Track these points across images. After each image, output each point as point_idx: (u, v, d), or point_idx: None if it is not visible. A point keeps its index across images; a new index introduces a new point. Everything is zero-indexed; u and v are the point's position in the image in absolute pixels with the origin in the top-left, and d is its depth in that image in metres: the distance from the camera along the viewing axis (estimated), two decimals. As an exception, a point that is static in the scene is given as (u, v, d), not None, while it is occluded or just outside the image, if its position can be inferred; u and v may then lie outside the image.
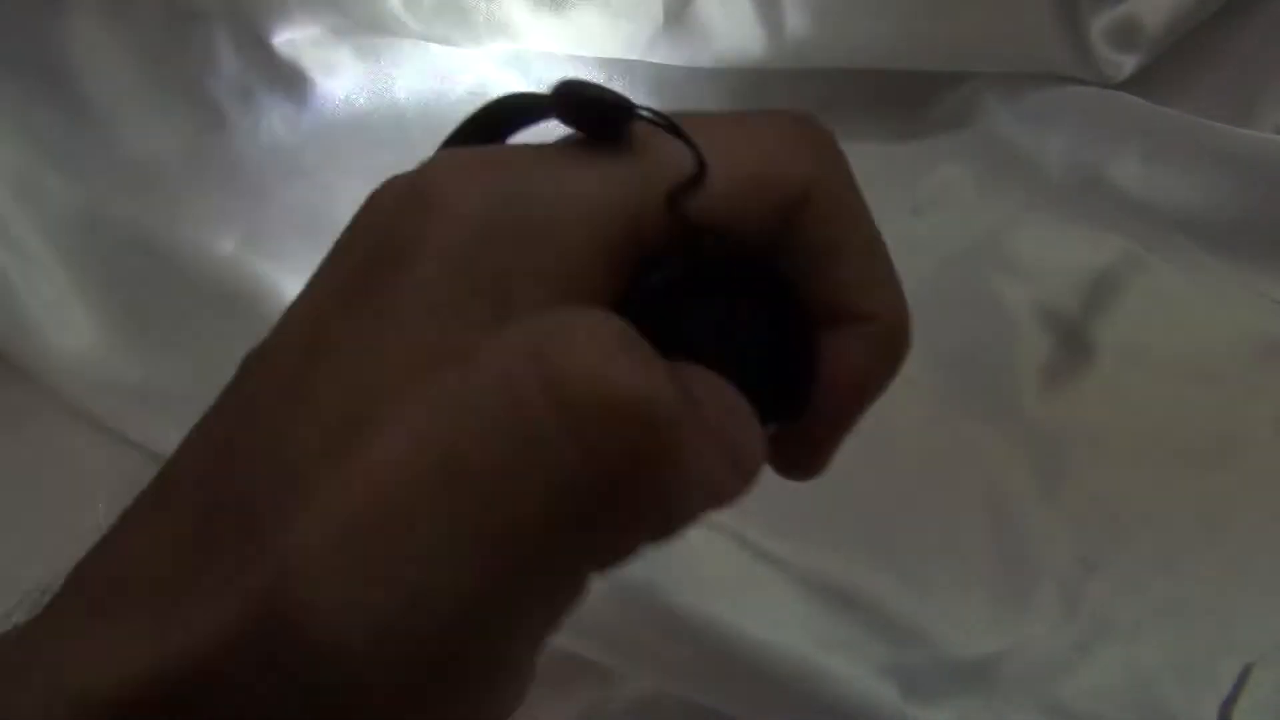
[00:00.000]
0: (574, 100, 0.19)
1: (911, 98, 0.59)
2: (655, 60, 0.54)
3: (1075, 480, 0.42)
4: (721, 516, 0.37)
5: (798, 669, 0.35)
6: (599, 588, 0.17)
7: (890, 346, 0.20)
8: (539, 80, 0.57)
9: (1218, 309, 0.49)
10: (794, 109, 0.21)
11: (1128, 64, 0.55)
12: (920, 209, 0.54)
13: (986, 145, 0.57)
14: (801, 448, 0.21)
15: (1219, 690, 0.36)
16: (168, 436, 0.40)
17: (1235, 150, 0.51)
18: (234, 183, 0.53)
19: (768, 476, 0.21)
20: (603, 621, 0.35)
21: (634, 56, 0.54)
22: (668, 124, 0.19)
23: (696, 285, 0.19)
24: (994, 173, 0.56)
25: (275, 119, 0.56)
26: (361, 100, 0.56)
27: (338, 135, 0.56)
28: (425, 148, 0.20)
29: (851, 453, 0.18)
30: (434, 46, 0.55)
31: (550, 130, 0.19)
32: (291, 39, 0.56)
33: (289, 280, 0.49)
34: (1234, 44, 0.58)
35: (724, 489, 0.18)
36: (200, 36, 0.55)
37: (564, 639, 0.34)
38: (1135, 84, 0.55)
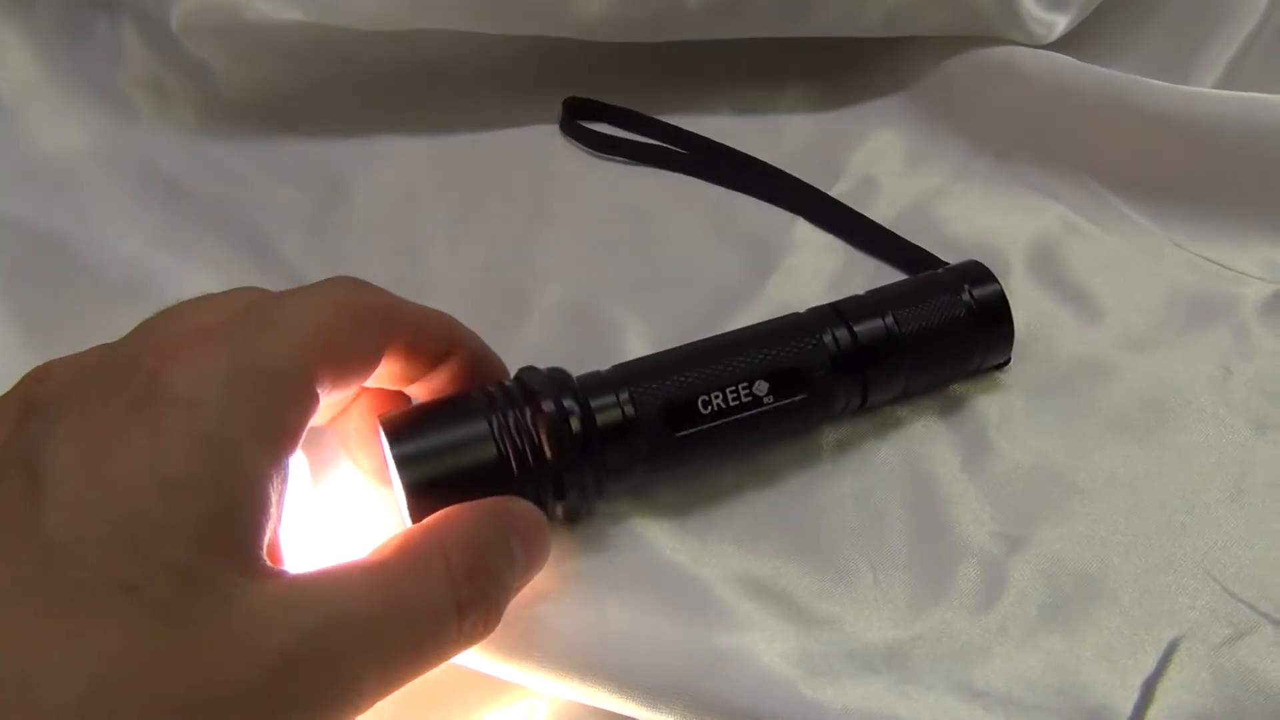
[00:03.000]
0: None
1: (840, 65, 0.57)
2: (556, 34, 0.53)
3: (1002, 455, 0.41)
4: (629, 512, 0.36)
5: (697, 655, 0.34)
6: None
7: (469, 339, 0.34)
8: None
9: (1152, 271, 0.48)
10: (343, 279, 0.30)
11: (1059, 24, 0.54)
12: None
13: (917, 111, 0.55)
14: None
15: (1142, 668, 0.35)
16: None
17: (1170, 109, 0.50)
18: (144, 178, 0.52)
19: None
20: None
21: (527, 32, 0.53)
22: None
23: None
24: (925, 138, 0.54)
25: (187, 112, 0.54)
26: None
27: (250, 128, 0.54)
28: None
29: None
30: (330, 26, 0.53)
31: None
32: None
33: (198, 275, 0.48)
34: (1167, 1, 0.57)
35: None
36: (105, 27, 0.54)
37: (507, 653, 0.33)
38: (1067, 44, 0.54)
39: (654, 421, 0.36)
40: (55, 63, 0.54)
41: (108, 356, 0.26)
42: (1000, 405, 0.42)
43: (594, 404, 0.35)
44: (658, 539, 0.38)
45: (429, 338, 0.32)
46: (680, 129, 0.54)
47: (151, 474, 0.23)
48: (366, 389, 0.33)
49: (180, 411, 0.24)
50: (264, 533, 0.25)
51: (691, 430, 0.36)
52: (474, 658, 0.33)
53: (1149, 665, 0.35)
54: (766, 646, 0.35)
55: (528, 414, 0.33)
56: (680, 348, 0.38)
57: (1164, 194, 0.50)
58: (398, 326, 0.30)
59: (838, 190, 0.52)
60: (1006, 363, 0.43)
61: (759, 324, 0.39)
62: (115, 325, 0.45)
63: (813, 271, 0.48)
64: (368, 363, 0.29)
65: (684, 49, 0.56)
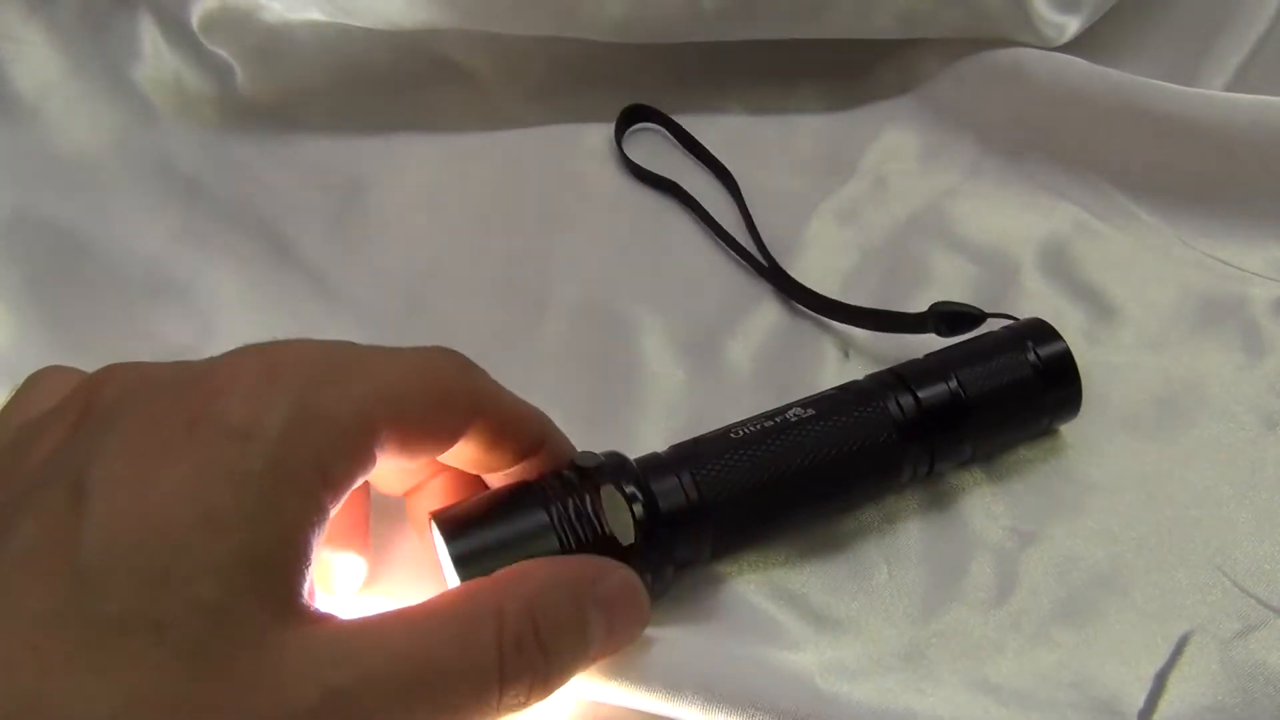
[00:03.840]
0: None
1: (853, 66, 0.58)
2: (571, 35, 0.53)
3: (1015, 451, 0.41)
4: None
5: (714, 651, 0.34)
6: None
7: (560, 438, 0.33)
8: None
9: (1163, 271, 0.48)
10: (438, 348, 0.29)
11: (1070, 26, 0.54)
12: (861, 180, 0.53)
13: (929, 111, 0.56)
14: None
15: (1155, 661, 0.35)
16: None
17: (1179, 111, 0.50)
18: (164, 175, 0.52)
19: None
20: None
21: (543, 32, 0.54)
22: None
23: None
24: (937, 138, 0.55)
25: (207, 111, 0.55)
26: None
27: (270, 127, 0.55)
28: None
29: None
30: (348, 26, 0.54)
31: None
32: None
33: (220, 273, 0.48)
34: (1178, 4, 0.58)
35: None
36: (125, 25, 0.54)
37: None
38: (1078, 46, 0.55)
39: (723, 510, 0.34)
40: (76, 61, 0.54)
41: (175, 373, 0.26)
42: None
43: (656, 488, 0.33)
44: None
45: (517, 430, 0.31)
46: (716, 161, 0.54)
47: (193, 506, 0.22)
48: (448, 468, 0.32)
49: (232, 444, 0.23)
50: (303, 578, 0.24)
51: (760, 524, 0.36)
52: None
53: (1161, 659, 0.36)
54: (783, 643, 0.35)
55: (588, 501, 0.32)
56: (742, 425, 0.36)
57: (1174, 194, 0.51)
58: (485, 410, 0.29)
59: (849, 190, 0.53)
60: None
61: (824, 399, 0.38)
62: (136, 322, 0.46)
63: (825, 271, 0.48)
64: (441, 437, 0.28)
65: (698, 50, 0.56)
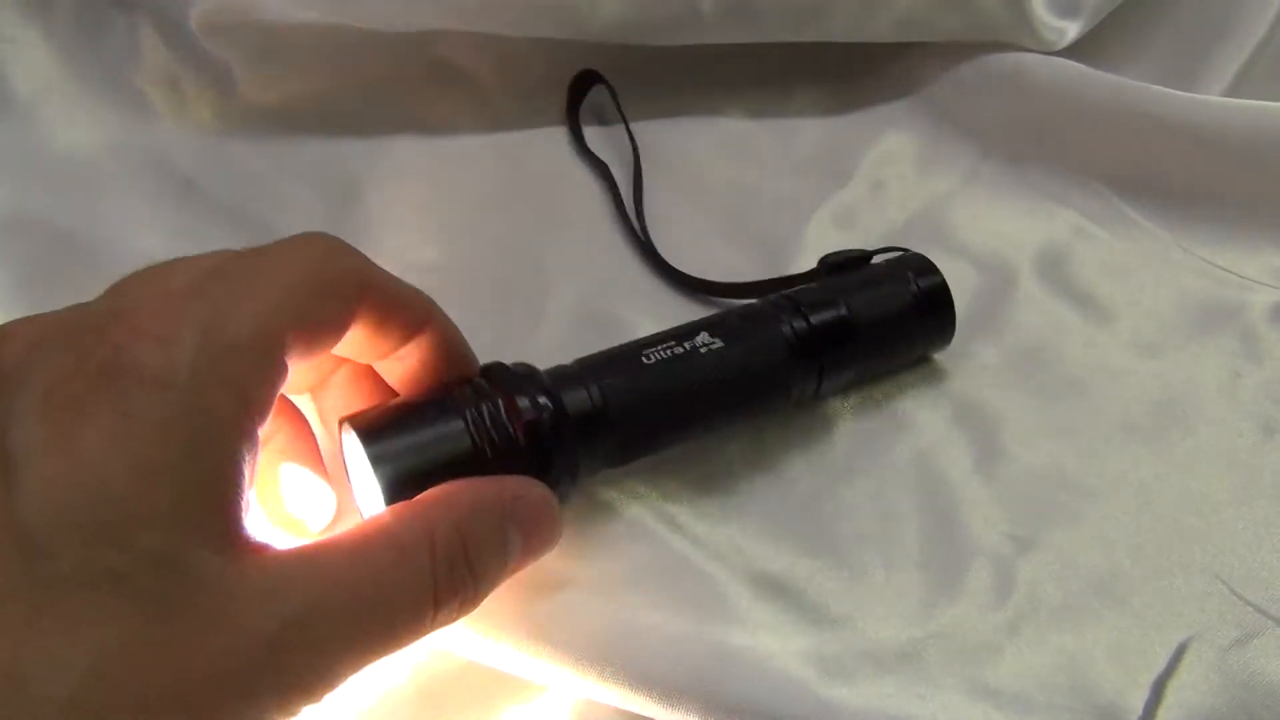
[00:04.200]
0: None
1: (852, 70, 0.58)
2: (570, 37, 0.53)
3: (1011, 455, 0.41)
4: (650, 499, 0.36)
5: (712, 654, 0.34)
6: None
7: (445, 321, 0.33)
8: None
9: (1161, 276, 0.48)
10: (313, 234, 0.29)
11: (1070, 30, 0.54)
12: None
13: (927, 116, 0.56)
14: None
15: (1152, 668, 0.35)
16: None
17: (1179, 116, 0.50)
18: (162, 176, 0.52)
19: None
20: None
21: (541, 34, 0.54)
22: None
23: None
24: (935, 142, 0.55)
25: (204, 112, 0.55)
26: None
27: (267, 128, 0.55)
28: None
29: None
30: (346, 27, 0.54)
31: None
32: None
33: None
34: (1178, 9, 0.58)
35: None
36: (123, 26, 0.54)
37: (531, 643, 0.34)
38: (1077, 51, 0.55)
39: (626, 415, 0.36)
40: (73, 61, 0.54)
41: (72, 320, 0.25)
42: (1011, 407, 0.43)
43: (565, 397, 0.35)
44: (673, 537, 0.38)
45: (402, 311, 0.31)
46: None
47: (123, 458, 0.22)
48: (344, 360, 0.33)
49: (149, 392, 0.23)
50: (240, 510, 0.24)
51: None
52: (492, 654, 0.34)
53: (1159, 665, 0.35)
54: (781, 646, 0.35)
55: (501, 407, 0.33)
56: (645, 340, 0.39)
57: (1172, 200, 0.51)
58: (370, 294, 0.29)
59: (847, 194, 0.53)
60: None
61: (720, 316, 0.40)
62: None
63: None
64: (337, 329, 0.28)
65: (696, 52, 0.56)
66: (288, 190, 0.52)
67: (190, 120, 0.54)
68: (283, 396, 0.34)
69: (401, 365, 0.32)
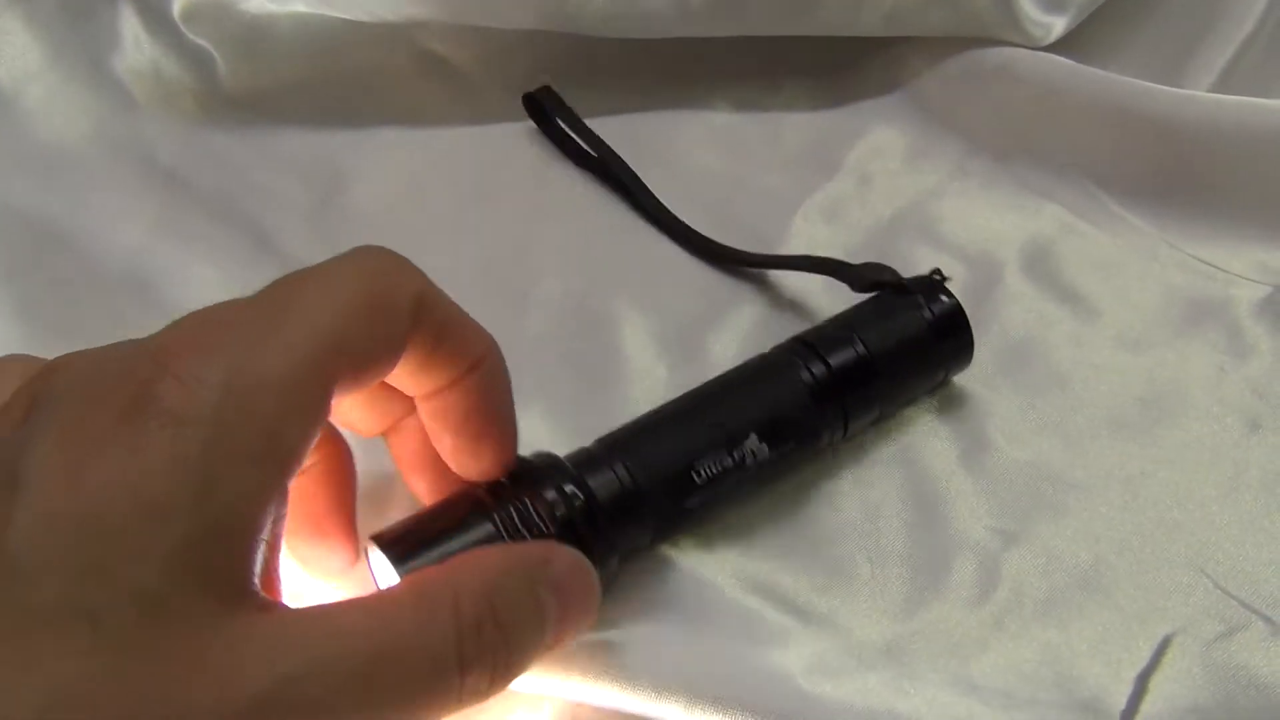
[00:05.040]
0: None
1: (843, 63, 0.58)
2: (556, 29, 0.53)
3: (999, 451, 0.41)
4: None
5: (696, 650, 0.34)
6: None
7: (500, 365, 0.31)
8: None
9: (1147, 272, 0.48)
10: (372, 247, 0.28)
11: (1057, 26, 0.54)
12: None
13: (914, 110, 0.56)
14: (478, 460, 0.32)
15: (1137, 662, 0.35)
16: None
17: (1166, 112, 0.50)
18: (143, 166, 0.52)
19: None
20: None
21: (527, 25, 0.53)
22: None
23: None
24: (922, 137, 0.55)
25: (187, 102, 0.54)
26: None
27: (250, 119, 0.54)
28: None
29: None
30: (330, 17, 0.53)
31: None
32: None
33: (199, 266, 0.48)
34: (1164, 4, 0.58)
35: None
36: (105, 14, 0.54)
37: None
38: (1065, 46, 0.55)
39: (656, 492, 0.35)
40: (55, 50, 0.53)
41: (118, 355, 0.24)
42: (997, 402, 0.43)
43: (592, 482, 0.34)
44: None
45: (460, 340, 0.29)
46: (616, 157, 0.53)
47: (128, 495, 0.21)
48: (418, 401, 0.31)
49: (166, 429, 0.22)
50: (253, 561, 0.23)
51: (693, 501, 0.36)
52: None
53: (1143, 660, 0.35)
54: (765, 641, 0.35)
55: (529, 505, 0.32)
56: (663, 410, 0.38)
57: (1159, 196, 0.51)
58: (425, 313, 0.27)
59: (834, 188, 0.52)
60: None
61: (734, 374, 0.39)
62: (115, 315, 0.45)
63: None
64: (390, 354, 0.26)
65: (682, 45, 0.56)
66: (271, 181, 0.52)
67: (173, 110, 0.54)
68: (330, 430, 0.32)
69: (448, 406, 0.30)
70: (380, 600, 0.25)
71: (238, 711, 0.21)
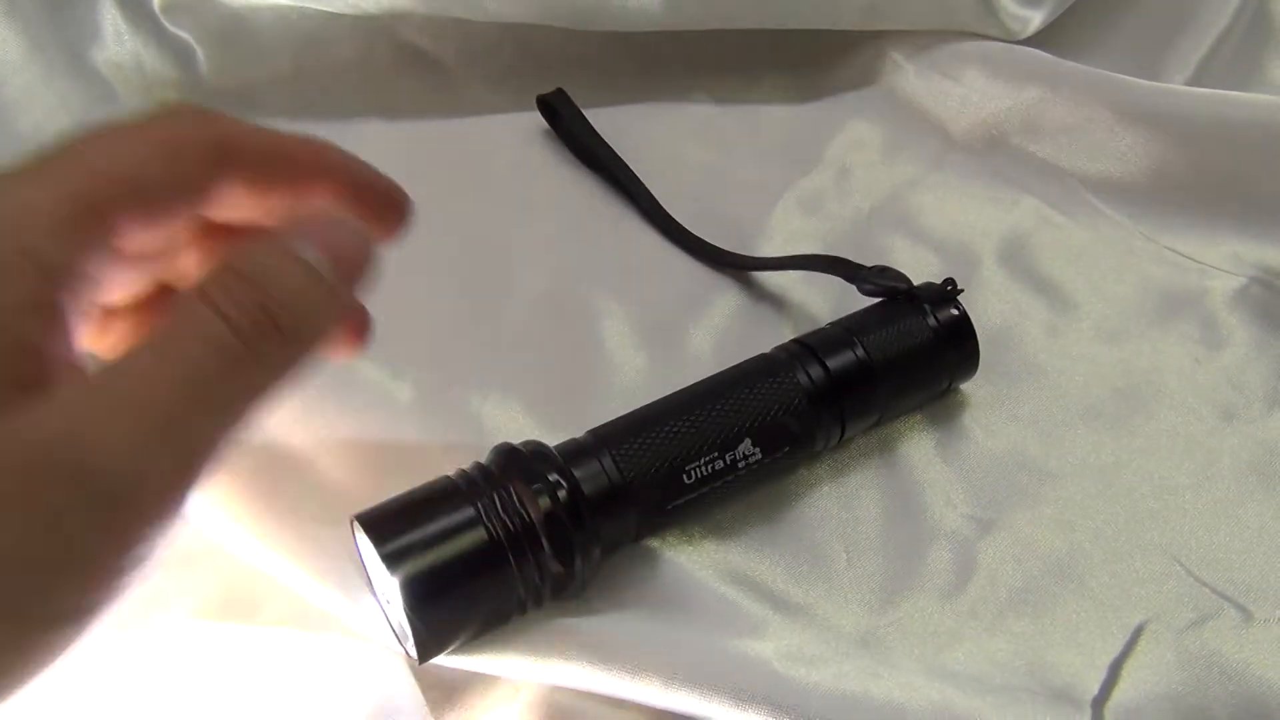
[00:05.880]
0: None
1: (821, 57, 0.58)
2: (537, 22, 0.53)
3: (975, 440, 0.42)
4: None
5: (674, 636, 0.34)
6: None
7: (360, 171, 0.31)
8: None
9: (1123, 264, 0.49)
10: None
11: (1034, 19, 0.54)
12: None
13: (893, 103, 0.56)
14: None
15: (1110, 649, 0.36)
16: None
17: (1142, 104, 0.51)
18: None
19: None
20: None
21: (507, 18, 0.53)
22: None
23: None
24: (900, 130, 0.55)
25: (168, 94, 0.54)
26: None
27: (231, 111, 0.54)
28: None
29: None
30: (310, 9, 0.53)
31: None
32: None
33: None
34: (1140, 1, 0.58)
35: None
36: (85, 6, 0.54)
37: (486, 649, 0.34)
38: (1042, 39, 0.55)
39: (644, 489, 0.35)
40: (35, 42, 0.53)
41: None
42: (974, 392, 0.43)
43: (579, 474, 0.34)
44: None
45: (283, 166, 0.29)
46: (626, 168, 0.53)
47: None
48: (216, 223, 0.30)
49: None
50: (17, 359, 0.23)
51: (681, 501, 0.36)
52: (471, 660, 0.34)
53: (1116, 647, 0.36)
54: (742, 630, 0.35)
55: (513, 493, 0.32)
56: (658, 406, 0.37)
57: (1135, 188, 0.51)
58: (234, 155, 0.28)
59: (813, 180, 0.53)
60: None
61: (733, 373, 0.38)
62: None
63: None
64: (185, 195, 0.27)
65: (662, 39, 0.56)
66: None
67: (154, 102, 0.54)
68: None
69: (291, 215, 0.30)
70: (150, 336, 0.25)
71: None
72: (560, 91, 0.54)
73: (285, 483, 0.37)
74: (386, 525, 0.32)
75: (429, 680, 0.35)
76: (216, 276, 0.25)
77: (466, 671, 0.34)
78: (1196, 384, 0.44)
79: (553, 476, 0.33)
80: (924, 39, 0.56)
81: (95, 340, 0.29)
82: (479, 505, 0.32)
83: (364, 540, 0.32)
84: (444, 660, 0.33)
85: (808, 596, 0.37)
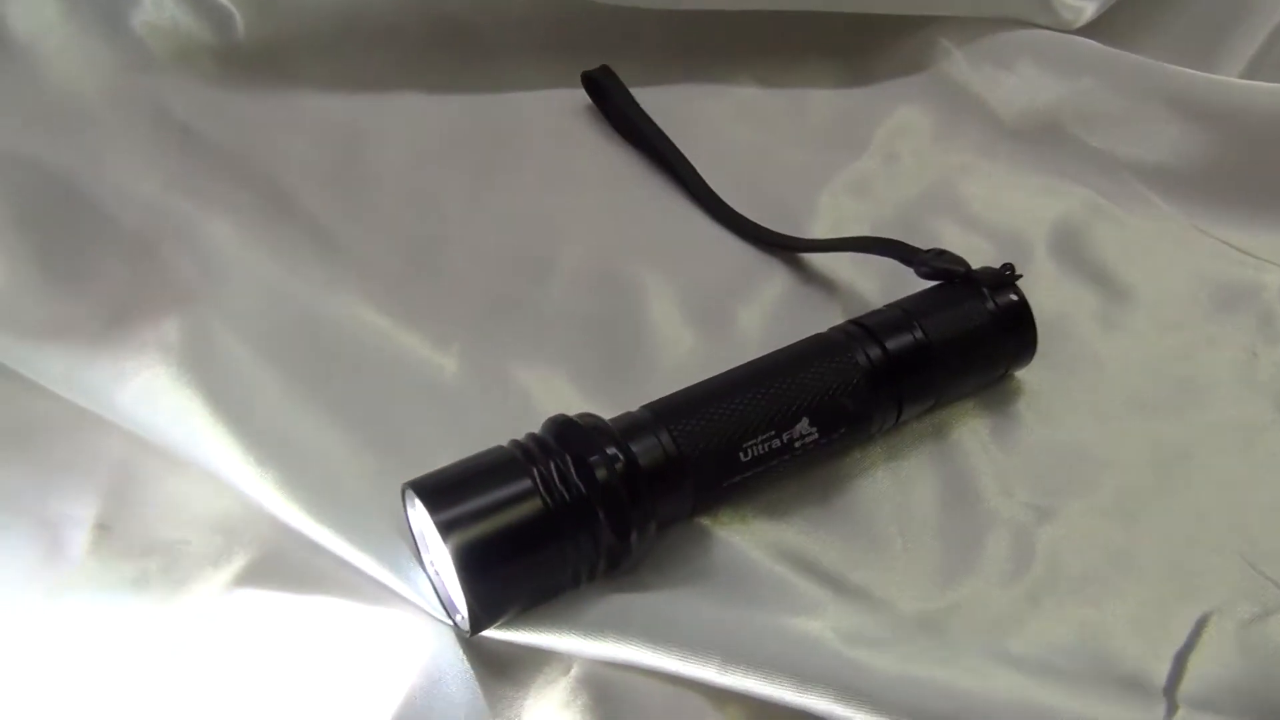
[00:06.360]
0: None
1: (869, 42, 0.57)
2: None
3: (1030, 428, 0.41)
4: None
5: (732, 616, 0.33)
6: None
7: None
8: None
9: (1177, 256, 0.48)
10: None
11: (1087, 9, 0.54)
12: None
13: (943, 90, 0.55)
14: None
15: (1173, 641, 0.35)
16: (69, 377, 0.38)
17: (1195, 95, 0.50)
18: (159, 122, 0.51)
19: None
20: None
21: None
22: None
23: None
24: (950, 117, 0.54)
25: (205, 59, 0.53)
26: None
27: (268, 78, 0.53)
28: None
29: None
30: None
31: None
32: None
33: (215, 222, 0.47)
34: (1194, -8, 0.58)
35: None
36: (123, -31, 0.53)
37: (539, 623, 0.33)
38: (1095, 29, 0.54)
39: (700, 465, 0.34)
40: (73, 3, 0.52)
41: None
42: (1029, 380, 0.42)
43: (635, 448, 0.33)
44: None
45: None
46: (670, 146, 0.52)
47: None
48: None
49: None
50: None
51: (736, 479, 0.35)
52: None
53: (1179, 639, 0.35)
54: (800, 610, 0.34)
55: (570, 463, 0.32)
56: (714, 383, 0.37)
57: (1189, 180, 0.50)
58: None
59: (862, 164, 0.52)
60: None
61: (790, 352, 0.38)
62: (129, 268, 0.44)
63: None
64: None
65: (706, 18, 0.55)
66: (287, 141, 0.51)
67: (190, 67, 0.53)
68: None
69: None
70: None
71: None
72: (606, 68, 0.53)
73: (331, 455, 0.37)
74: (441, 493, 0.31)
75: (476, 654, 0.34)
76: None
77: (514, 644, 0.33)
78: (1254, 377, 0.43)
79: (610, 450, 0.33)
80: (975, 26, 0.55)
81: None
82: (535, 475, 0.31)
83: (417, 508, 0.31)
84: (495, 633, 0.33)
85: (864, 578, 0.36)
